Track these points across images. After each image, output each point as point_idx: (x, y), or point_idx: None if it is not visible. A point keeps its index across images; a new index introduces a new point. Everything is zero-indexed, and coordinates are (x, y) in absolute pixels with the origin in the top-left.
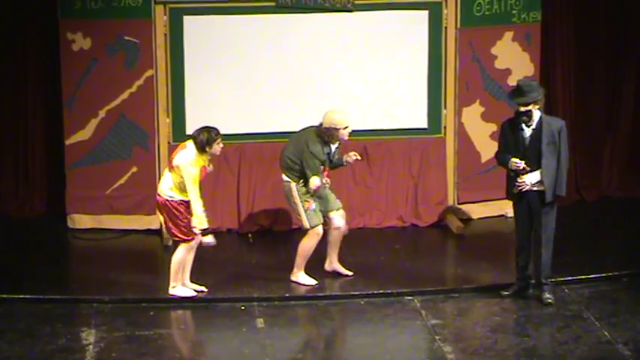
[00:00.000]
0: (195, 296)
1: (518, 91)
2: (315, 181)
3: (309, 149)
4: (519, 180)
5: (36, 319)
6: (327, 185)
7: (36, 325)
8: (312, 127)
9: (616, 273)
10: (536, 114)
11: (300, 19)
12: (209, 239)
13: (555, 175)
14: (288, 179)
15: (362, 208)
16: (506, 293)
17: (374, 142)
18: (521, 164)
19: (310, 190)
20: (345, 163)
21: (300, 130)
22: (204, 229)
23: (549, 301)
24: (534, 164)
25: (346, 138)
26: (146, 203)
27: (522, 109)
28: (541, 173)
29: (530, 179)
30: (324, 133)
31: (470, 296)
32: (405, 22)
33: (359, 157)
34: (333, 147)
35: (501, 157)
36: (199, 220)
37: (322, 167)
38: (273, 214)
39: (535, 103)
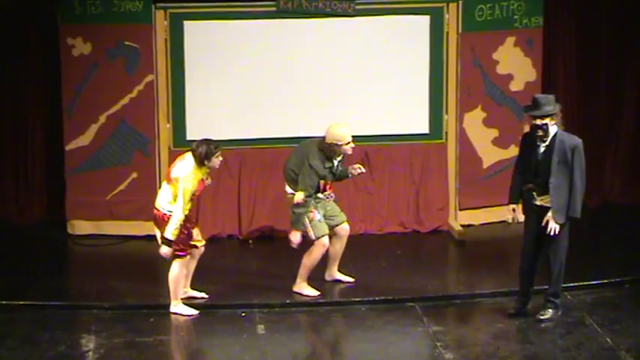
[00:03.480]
0: (197, 314)
1: (534, 104)
2: (299, 196)
3: (309, 162)
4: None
5: (36, 325)
6: (330, 199)
7: (36, 331)
8: (315, 139)
9: (618, 279)
10: (552, 130)
11: (301, 25)
12: (165, 250)
13: (567, 196)
14: (292, 192)
15: (363, 214)
16: (512, 312)
17: (375, 148)
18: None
19: (295, 200)
20: (350, 176)
21: (303, 142)
22: (168, 240)
23: (540, 317)
24: (545, 182)
25: (349, 153)
26: (146, 209)
27: (538, 122)
28: (550, 194)
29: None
30: (327, 148)
31: (472, 302)
32: (406, 27)
33: (363, 170)
34: (336, 162)
35: (512, 186)
36: (172, 231)
37: (323, 182)
38: (274, 220)
39: (551, 117)
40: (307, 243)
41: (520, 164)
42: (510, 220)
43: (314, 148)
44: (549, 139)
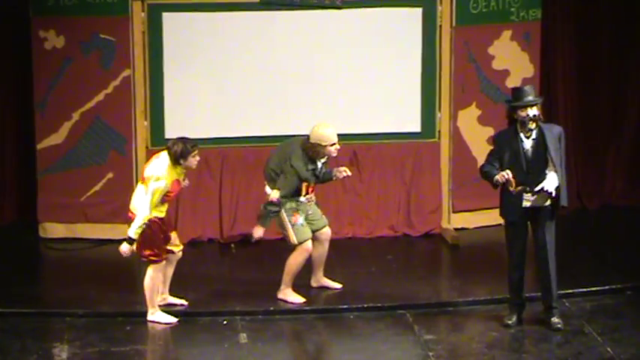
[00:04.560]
0: (176, 322)
1: (522, 93)
2: (274, 194)
3: (291, 162)
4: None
5: (5, 334)
6: (312, 201)
7: (5, 340)
8: (299, 138)
9: (619, 286)
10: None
11: (285, 17)
12: (125, 249)
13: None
14: (271, 191)
15: (352, 217)
16: (509, 322)
17: (364, 147)
18: (509, 176)
19: (270, 198)
20: (334, 178)
21: (287, 141)
22: (130, 239)
23: (558, 326)
24: (538, 177)
25: (334, 155)
26: (122, 211)
27: (531, 112)
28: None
29: (549, 186)
30: (310, 149)
31: (465, 310)
32: (397, 19)
33: (349, 173)
34: (319, 163)
35: (488, 171)
36: (135, 229)
37: (305, 185)
38: (256, 223)
39: (537, 106)
40: (290, 248)
41: (491, 161)
42: (512, 187)
43: (297, 148)
44: (534, 133)
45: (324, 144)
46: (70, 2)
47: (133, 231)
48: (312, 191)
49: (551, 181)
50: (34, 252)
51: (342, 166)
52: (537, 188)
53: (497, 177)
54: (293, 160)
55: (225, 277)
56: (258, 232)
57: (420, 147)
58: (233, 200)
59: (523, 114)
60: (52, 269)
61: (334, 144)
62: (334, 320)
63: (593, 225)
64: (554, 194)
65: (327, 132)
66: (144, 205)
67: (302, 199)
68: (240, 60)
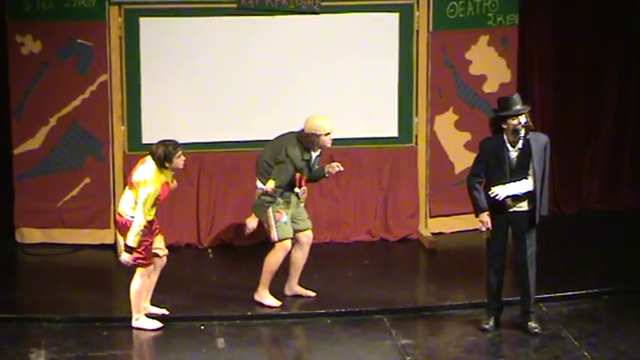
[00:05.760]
0: (161, 327)
1: (510, 102)
2: (270, 184)
3: (287, 152)
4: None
5: None
6: (304, 194)
7: None
8: (292, 132)
9: (596, 290)
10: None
11: (263, 22)
12: (126, 258)
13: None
14: (263, 187)
15: (329, 222)
16: (487, 327)
17: (341, 152)
18: (488, 225)
19: (265, 188)
20: (327, 175)
21: (280, 135)
22: (129, 247)
23: (536, 330)
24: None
25: (328, 145)
26: (100, 216)
27: (522, 119)
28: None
29: (520, 189)
30: (305, 139)
31: (443, 314)
32: (374, 25)
33: (342, 168)
34: (314, 155)
35: (475, 197)
36: (133, 238)
37: (299, 176)
38: (234, 228)
39: (525, 114)
40: (269, 246)
41: (478, 172)
42: (484, 229)
43: (292, 139)
44: (519, 142)
45: (319, 133)
46: (47, 7)
47: (131, 239)
48: (305, 184)
49: (511, 188)
50: (11, 257)
51: (334, 162)
52: (496, 190)
53: (480, 218)
54: (289, 150)
55: (203, 282)
56: (252, 222)
57: (398, 152)
58: (210, 205)
59: (514, 122)
60: (29, 275)
61: (328, 134)
62: (312, 325)
63: (569, 229)
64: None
65: (321, 122)
66: (138, 213)
67: (297, 190)
68: (218, 65)
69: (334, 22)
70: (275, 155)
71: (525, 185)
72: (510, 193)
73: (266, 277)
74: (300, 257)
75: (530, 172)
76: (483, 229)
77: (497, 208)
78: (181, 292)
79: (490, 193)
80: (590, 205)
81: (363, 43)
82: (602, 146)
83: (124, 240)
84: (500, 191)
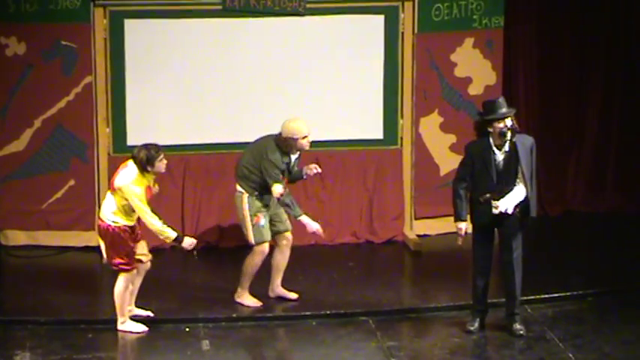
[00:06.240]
0: (146, 331)
1: (496, 106)
2: (278, 189)
3: (268, 157)
4: (495, 205)
5: None
6: (286, 198)
7: None
8: (270, 136)
9: (581, 292)
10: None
11: (248, 24)
12: (189, 241)
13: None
14: (242, 190)
15: None
16: (472, 328)
17: (326, 154)
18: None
19: (275, 196)
20: (305, 176)
21: (258, 139)
22: (177, 238)
23: (521, 332)
24: (507, 188)
25: (307, 148)
26: (84, 218)
27: (508, 122)
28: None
29: (508, 206)
30: (283, 143)
31: (427, 316)
32: (359, 27)
33: (319, 170)
34: (293, 157)
35: (457, 203)
36: (165, 234)
37: (281, 177)
38: (219, 230)
39: (512, 117)
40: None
41: (464, 175)
42: (460, 242)
43: (271, 143)
44: (506, 145)
45: (296, 137)
46: (32, 9)
47: (166, 236)
48: (285, 187)
49: (513, 199)
50: None
51: (312, 163)
52: (500, 205)
53: (459, 226)
54: (269, 154)
55: (188, 284)
56: (314, 225)
57: (383, 154)
58: (195, 207)
59: (500, 125)
60: (14, 277)
61: (306, 137)
62: (296, 327)
63: (554, 231)
64: (510, 212)
65: (298, 125)
66: (143, 215)
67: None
68: (203, 67)
69: (319, 24)
70: (255, 160)
71: (520, 192)
72: (512, 205)
73: (245, 280)
74: (281, 259)
75: (520, 176)
76: (460, 239)
77: (484, 210)
78: (166, 295)
79: (493, 209)
80: (574, 206)
81: (348, 45)
82: (587, 148)
83: (105, 247)
84: (502, 205)
